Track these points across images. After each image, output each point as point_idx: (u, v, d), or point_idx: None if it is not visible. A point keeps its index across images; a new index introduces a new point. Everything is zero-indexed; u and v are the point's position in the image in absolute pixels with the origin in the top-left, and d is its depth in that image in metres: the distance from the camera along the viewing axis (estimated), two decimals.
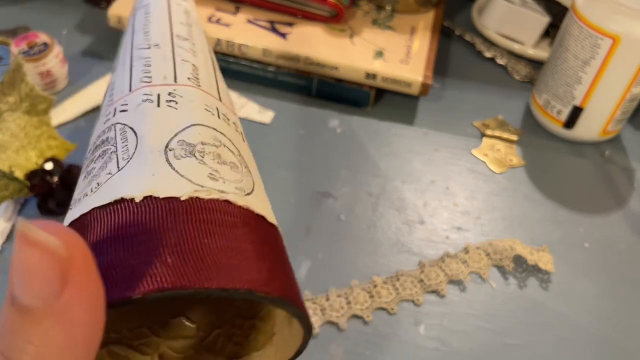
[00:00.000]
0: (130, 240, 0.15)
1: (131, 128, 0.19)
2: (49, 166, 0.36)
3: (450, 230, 0.38)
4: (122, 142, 0.18)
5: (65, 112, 0.43)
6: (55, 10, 0.52)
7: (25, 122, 0.36)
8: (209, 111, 0.20)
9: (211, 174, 0.17)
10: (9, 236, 0.35)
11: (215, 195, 0.17)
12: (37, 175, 0.35)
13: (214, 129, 0.19)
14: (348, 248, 0.36)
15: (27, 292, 0.12)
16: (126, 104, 0.20)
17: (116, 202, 0.16)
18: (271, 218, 0.19)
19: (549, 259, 0.36)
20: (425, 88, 0.44)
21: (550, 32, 0.53)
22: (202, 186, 0.17)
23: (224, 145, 0.19)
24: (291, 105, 0.46)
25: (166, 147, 0.18)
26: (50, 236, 0.11)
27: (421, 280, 0.35)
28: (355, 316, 0.33)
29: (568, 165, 0.44)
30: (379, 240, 0.37)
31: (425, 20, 0.50)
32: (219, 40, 0.45)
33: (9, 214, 0.36)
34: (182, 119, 0.19)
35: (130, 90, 0.21)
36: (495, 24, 0.53)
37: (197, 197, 0.16)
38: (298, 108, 0.46)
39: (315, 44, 0.45)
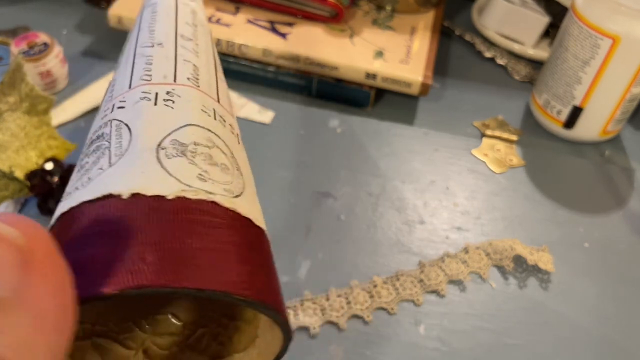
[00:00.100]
0: (113, 235, 0.15)
1: (126, 125, 0.19)
2: (49, 166, 0.36)
3: (450, 230, 0.38)
4: (117, 139, 0.18)
5: (65, 112, 0.43)
6: (55, 10, 0.52)
7: (26, 122, 0.36)
8: (206, 112, 0.20)
9: (200, 174, 0.17)
10: None
11: (202, 196, 0.17)
12: (37, 175, 0.35)
13: (209, 129, 0.19)
14: (348, 248, 0.37)
15: None
16: (124, 101, 0.20)
17: (104, 197, 0.16)
18: (259, 221, 0.19)
19: (549, 259, 0.36)
20: (425, 88, 0.44)
21: (550, 32, 0.53)
22: (190, 186, 0.17)
23: (217, 147, 0.19)
24: (291, 105, 0.46)
25: (158, 145, 0.18)
26: (9, 227, 0.12)
27: (421, 280, 0.35)
28: (355, 316, 0.33)
29: (568, 165, 0.44)
30: (379, 240, 0.37)
31: (425, 20, 0.50)
32: (219, 40, 0.45)
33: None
34: (177, 118, 0.19)
35: (130, 87, 0.21)
36: (495, 24, 0.53)
37: (184, 197, 0.16)
38: (298, 108, 0.46)
39: (315, 44, 0.45)
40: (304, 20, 0.48)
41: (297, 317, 0.32)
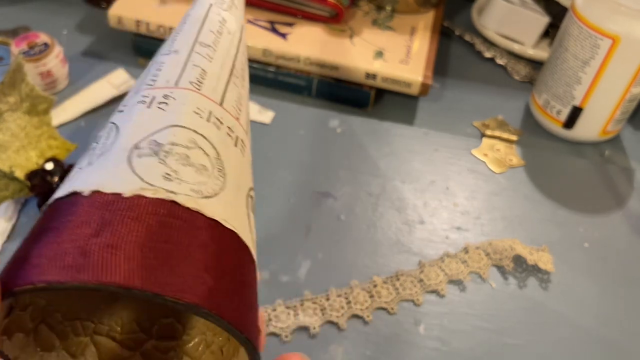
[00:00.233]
0: (61, 230, 0.16)
1: (117, 127, 0.19)
2: (49, 166, 0.36)
3: (450, 230, 0.38)
4: (105, 140, 0.19)
5: (65, 112, 0.43)
6: (56, 10, 0.52)
7: (26, 122, 0.36)
8: (198, 114, 0.20)
9: (168, 174, 0.17)
10: (10, 236, 0.35)
11: (161, 195, 0.17)
12: (37, 175, 0.35)
13: (194, 131, 0.19)
14: (348, 248, 0.37)
15: None
16: (125, 105, 0.20)
17: (69, 194, 0.17)
18: (230, 224, 0.18)
19: (549, 259, 0.36)
20: (425, 88, 0.44)
21: (550, 32, 0.53)
22: (152, 185, 0.17)
23: (199, 148, 0.19)
24: (291, 105, 0.46)
25: (134, 145, 0.18)
26: None
27: (421, 280, 0.35)
28: (355, 316, 0.33)
29: (568, 165, 0.44)
30: (379, 240, 0.37)
31: (425, 20, 0.50)
32: None
33: (10, 214, 0.36)
34: (163, 120, 0.19)
35: (136, 92, 0.21)
36: (495, 24, 0.53)
37: (141, 195, 0.16)
38: (298, 108, 0.46)
39: (315, 44, 0.45)
40: (304, 20, 0.48)
41: (297, 317, 0.32)
